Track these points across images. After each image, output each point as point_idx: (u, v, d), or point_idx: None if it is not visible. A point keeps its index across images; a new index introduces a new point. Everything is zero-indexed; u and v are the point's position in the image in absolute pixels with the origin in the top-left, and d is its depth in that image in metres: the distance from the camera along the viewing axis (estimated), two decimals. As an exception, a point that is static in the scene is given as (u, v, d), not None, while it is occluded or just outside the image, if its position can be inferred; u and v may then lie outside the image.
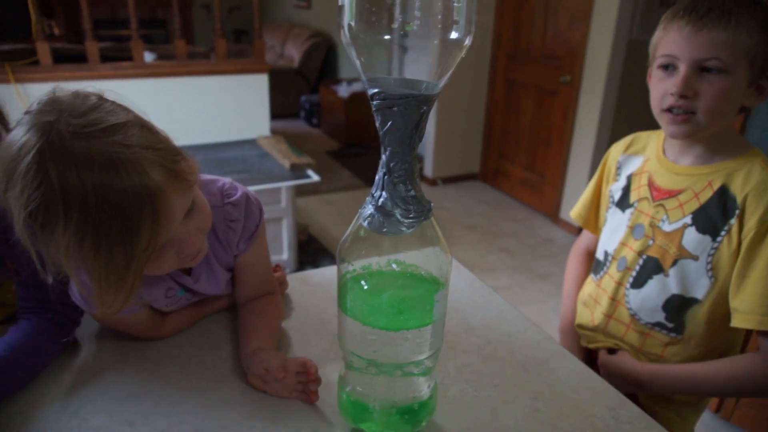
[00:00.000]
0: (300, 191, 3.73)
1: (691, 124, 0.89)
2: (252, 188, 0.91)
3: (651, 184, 1.01)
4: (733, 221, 0.89)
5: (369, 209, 0.58)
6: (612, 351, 1.07)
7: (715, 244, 0.91)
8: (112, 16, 6.47)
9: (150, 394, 0.75)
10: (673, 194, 0.97)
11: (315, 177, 2.81)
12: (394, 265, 0.61)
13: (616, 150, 1.13)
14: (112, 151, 0.58)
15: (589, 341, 1.13)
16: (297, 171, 2.82)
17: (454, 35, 0.53)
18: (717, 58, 0.84)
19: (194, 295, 0.87)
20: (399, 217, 0.56)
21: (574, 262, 1.26)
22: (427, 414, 0.69)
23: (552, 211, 3.75)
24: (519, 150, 4.02)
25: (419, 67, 0.54)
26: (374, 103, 0.55)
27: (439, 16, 0.51)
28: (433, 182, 4.33)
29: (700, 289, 0.93)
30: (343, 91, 5.27)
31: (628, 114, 3.36)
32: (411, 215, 0.57)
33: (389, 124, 0.55)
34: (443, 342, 0.67)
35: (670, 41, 0.89)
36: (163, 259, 0.68)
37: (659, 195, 0.99)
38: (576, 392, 0.80)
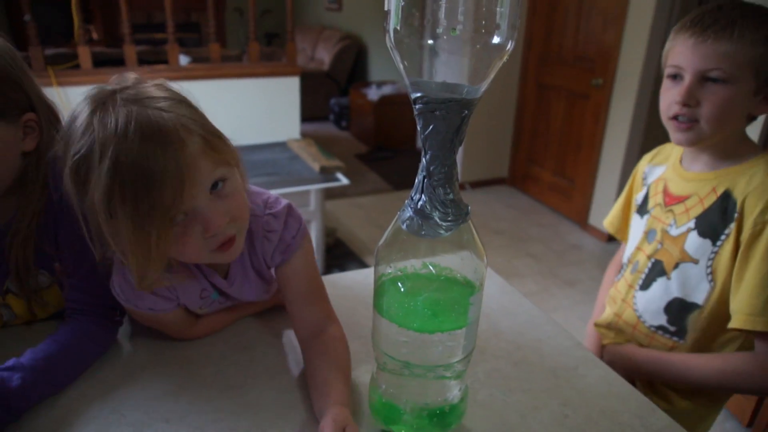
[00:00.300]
0: (328, 194, 3.75)
1: (694, 132, 0.93)
2: (281, 191, 0.92)
3: (665, 191, 1.05)
4: (733, 225, 0.91)
5: (408, 212, 0.59)
6: None
7: (715, 248, 0.94)
8: (149, 20, 6.64)
9: (186, 392, 0.77)
10: (681, 200, 1.01)
11: (344, 180, 2.83)
12: (430, 268, 0.61)
13: (644, 161, 1.17)
14: (152, 113, 0.63)
15: (603, 338, 1.16)
16: (326, 174, 2.84)
17: (496, 40, 0.53)
18: (719, 68, 0.88)
19: (227, 299, 0.88)
20: (437, 220, 0.57)
21: (611, 273, 1.28)
22: (457, 417, 0.69)
23: (581, 217, 3.70)
24: (548, 154, 3.98)
25: (461, 72, 0.55)
26: (416, 107, 0.55)
27: (483, 21, 0.52)
28: (461, 186, 4.31)
29: (700, 293, 0.96)
30: (373, 94, 5.30)
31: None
32: (449, 218, 0.57)
33: (431, 127, 0.55)
34: (475, 345, 0.67)
35: (677, 52, 0.93)
36: (189, 236, 0.67)
37: (670, 201, 1.03)
38: (605, 399, 0.79)
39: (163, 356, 0.84)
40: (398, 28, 0.52)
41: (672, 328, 1.00)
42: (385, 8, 0.53)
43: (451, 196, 0.57)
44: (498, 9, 0.52)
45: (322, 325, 0.82)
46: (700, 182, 0.98)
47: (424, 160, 0.57)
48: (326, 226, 3.23)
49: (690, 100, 0.91)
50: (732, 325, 0.90)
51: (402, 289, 0.61)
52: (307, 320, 0.82)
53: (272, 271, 0.86)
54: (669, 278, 1.00)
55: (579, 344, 0.91)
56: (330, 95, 6.26)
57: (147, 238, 0.63)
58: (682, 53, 0.91)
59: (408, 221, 0.58)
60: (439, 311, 0.61)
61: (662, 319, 1.01)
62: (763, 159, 0.93)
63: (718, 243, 0.93)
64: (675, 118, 0.94)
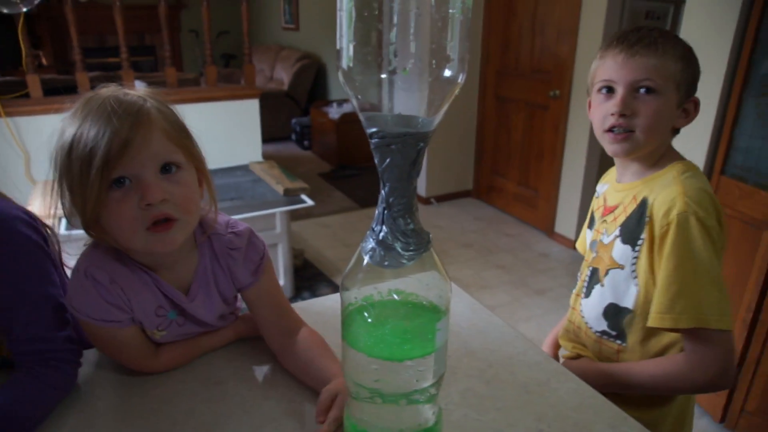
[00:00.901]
0: (294, 216, 3.73)
1: (630, 142, 0.97)
2: (246, 215, 0.97)
3: (604, 204, 1.11)
4: (646, 229, 0.96)
5: (370, 243, 0.59)
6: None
7: (635, 253, 0.98)
8: (101, 44, 6.48)
9: (156, 432, 0.75)
10: (611, 210, 1.07)
11: (309, 201, 2.82)
12: (395, 296, 0.62)
13: (601, 179, 1.22)
14: (128, 95, 0.75)
15: (564, 348, 1.20)
16: (291, 196, 2.83)
17: (447, 73, 0.54)
18: (649, 79, 0.94)
19: (185, 320, 0.87)
20: (399, 250, 0.58)
21: None
22: (433, 441, 0.70)
23: (547, 226, 3.77)
24: (511, 165, 4.05)
25: (415, 104, 0.56)
26: (373, 141, 0.56)
27: (434, 56, 0.53)
28: (427, 201, 4.36)
29: (629, 297, 1.00)
30: (334, 112, 5.31)
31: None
32: (411, 248, 0.58)
33: (388, 161, 0.56)
34: (446, 368, 0.68)
35: (607, 68, 0.98)
36: (126, 202, 0.73)
37: (605, 212, 1.09)
38: (578, 411, 0.80)
39: (132, 395, 0.82)
40: (351, 65, 0.53)
41: (613, 333, 1.04)
42: (337, 46, 0.54)
43: (411, 226, 0.58)
44: (448, 44, 0.53)
45: (295, 329, 0.89)
46: (626, 192, 1.04)
47: (383, 192, 0.58)
48: (293, 248, 3.21)
49: (626, 110, 0.95)
50: (648, 324, 0.95)
51: (369, 319, 0.62)
52: (281, 328, 0.89)
53: (237, 297, 0.91)
54: (602, 285, 1.04)
55: (549, 358, 0.93)
56: (291, 115, 6.25)
57: (85, 191, 0.71)
58: (613, 68, 0.97)
59: (371, 252, 0.58)
60: (407, 338, 0.62)
61: (604, 325, 1.05)
62: (675, 166, 0.99)
63: (637, 248, 0.98)
64: (610, 130, 0.98)
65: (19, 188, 2.99)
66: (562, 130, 3.52)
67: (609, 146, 1.01)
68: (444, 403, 0.80)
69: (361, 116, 0.57)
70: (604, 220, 1.08)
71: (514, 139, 3.98)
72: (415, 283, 0.63)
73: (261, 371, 0.88)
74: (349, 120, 5.19)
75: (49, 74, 4.31)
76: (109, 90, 0.76)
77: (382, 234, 0.58)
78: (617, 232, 1.02)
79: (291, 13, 6.82)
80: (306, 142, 5.96)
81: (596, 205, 1.15)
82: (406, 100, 0.56)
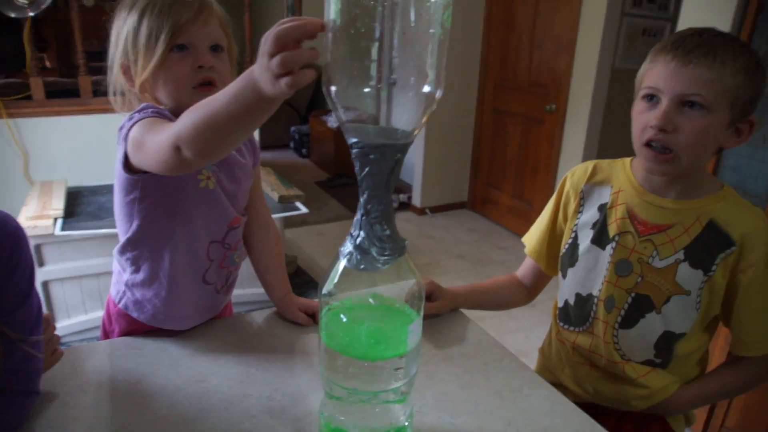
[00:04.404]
0: (288, 222, 3.76)
1: (672, 166, 0.90)
2: None
3: (633, 218, 0.98)
4: (728, 255, 0.92)
5: (348, 247, 0.62)
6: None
7: (706, 278, 0.93)
8: (105, 47, 6.53)
9: (138, 429, 0.77)
10: (662, 229, 0.95)
11: (303, 209, 2.85)
12: (371, 299, 0.65)
13: (577, 179, 1.10)
14: None
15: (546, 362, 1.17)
16: (286, 203, 2.86)
17: (426, 89, 0.58)
18: (699, 94, 0.84)
19: (220, 169, 0.97)
20: (375, 254, 0.61)
21: (502, 278, 1.28)
22: (406, 441, 0.72)
23: (539, 238, 3.80)
24: (506, 178, 4.09)
25: (394, 117, 0.59)
26: (353, 151, 0.59)
27: (414, 73, 0.57)
28: (422, 211, 4.39)
29: (687, 322, 0.96)
30: (333, 121, 5.35)
31: (613, 141, 3.46)
32: (386, 253, 0.61)
33: (366, 169, 0.59)
34: (418, 370, 0.71)
35: (655, 74, 0.89)
36: (181, 63, 0.89)
37: (645, 229, 0.97)
38: (548, 417, 0.83)
39: (117, 388, 0.85)
40: (335, 79, 0.56)
41: (658, 360, 0.99)
42: (323, 63, 0.57)
43: (387, 232, 0.61)
44: (428, 61, 0.57)
45: (268, 220, 1.14)
46: (681, 211, 0.94)
47: (361, 199, 0.61)
48: (286, 255, 3.24)
49: (667, 125, 0.86)
50: (747, 353, 0.96)
51: (345, 320, 0.65)
52: (259, 211, 1.11)
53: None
54: (659, 312, 0.96)
55: (524, 366, 0.96)
56: (290, 123, 6.29)
57: (152, 51, 0.88)
58: (661, 75, 0.87)
59: (348, 256, 0.62)
60: (381, 339, 0.65)
61: (650, 354, 0.99)
62: (727, 187, 0.96)
63: (710, 273, 0.92)
64: (648, 144, 0.90)
65: (16, 188, 3.02)
66: (557, 144, 3.56)
67: (648, 163, 0.92)
68: (419, 405, 0.83)
69: (343, 127, 0.60)
70: (648, 240, 0.96)
71: (509, 152, 4.02)
72: (390, 288, 0.66)
73: (242, 371, 0.91)
74: (348, 129, 5.22)
75: (52, 77, 4.34)
76: None
77: (359, 239, 0.61)
78: (680, 256, 0.94)
79: (294, 21, 6.87)
80: (304, 150, 6.00)
81: (613, 216, 1.00)
82: (386, 113, 0.59)
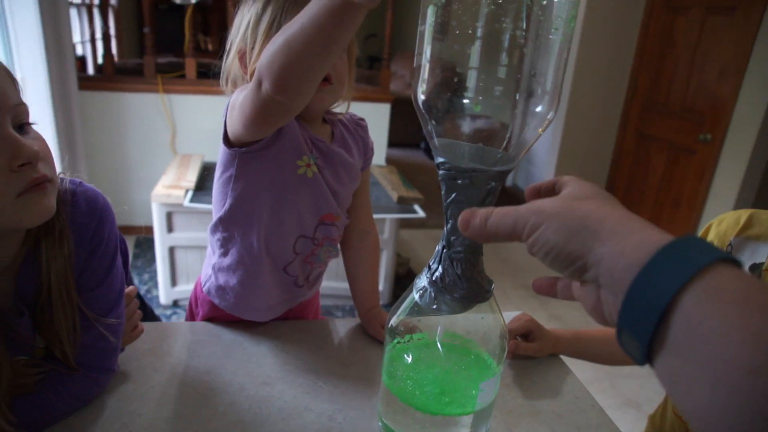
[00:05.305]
0: (405, 224, 3.73)
1: None
2: None
3: None
4: None
5: (423, 281, 0.54)
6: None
7: None
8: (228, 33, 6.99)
9: (195, 419, 0.76)
10: None
11: (421, 213, 2.80)
12: (438, 345, 0.57)
13: (725, 228, 0.94)
14: None
15: None
16: (404, 204, 2.82)
17: (538, 108, 0.48)
18: None
19: (325, 163, 0.93)
20: (451, 295, 0.52)
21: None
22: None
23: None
24: (643, 209, 3.73)
25: (494, 138, 0.50)
26: (439, 172, 0.51)
27: (523, 87, 0.47)
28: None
29: None
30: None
31: (776, 186, 3.01)
32: (465, 296, 0.52)
33: (453, 195, 0.51)
34: (491, 427, 0.61)
35: None
36: None
37: None
38: None
39: (185, 377, 0.84)
40: (426, 86, 0.49)
41: None
42: (414, 64, 0.50)
43: (470, 271, 0.52)
44: (542, 73, 0.47)
45: (368, 227, 1.08)
46: None
47: (445, 229, 0.53)
48: (400, 255, 3.20)
49: None
50: None
51: (409, 361, 0.57)
52: (360, 216, 1.06)
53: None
54: None
55: (623, 439, 0.81)
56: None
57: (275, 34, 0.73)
58: None
59: (421, 291, 0.54)
60: (448, 391, 0.56)
61: None
62: None
63: None
64: None
65: (163, 158, 3.28)
66: (708, 178, 3.17)
67: None
68: (490, 463, 0.73)
69: (436, 141, 0.52)
70: None
71: (650, 181, 3.66)
72: (474, 332, 0.57)
73: (310, 382, 0.86)
74: (478, 136, 5.09)
75: (209, 59, 4.70)
76: None
77: (436, 274, 0.53)
78: None
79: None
80: (432, 152, 5.95)
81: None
82: (484, 132, 0.50)
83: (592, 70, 3.77)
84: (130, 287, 0.87)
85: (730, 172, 3.05)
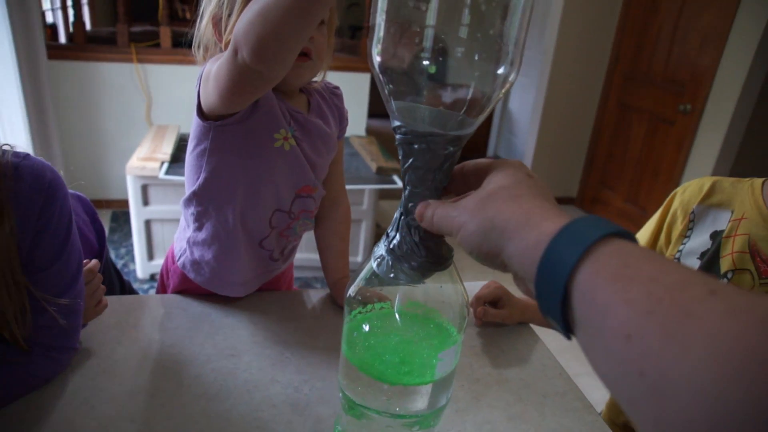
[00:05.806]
0: (385, 194, 3.70)
1: None
2: None
3: (755, 253, 0.82)
4: None
5: (381, 249, 0.53)
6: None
7: None
8: None
9: (160, 394, 0.75)
10: None
11: (400, 184, 2.78)
12: (408, 308, 0.56)
13: (688, 196, 0.95)
14: None
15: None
16: (383, 175, 2.80)
17: (500, 69, 0.46)
18: None
19: (303, 135, 0.91)
20: (409, 263, 0.51)
21: None
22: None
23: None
24: (622, 179, 3.75)
25: (452, 101, 0.49)
26: (396, 136, 0.50)
27: (483, 47, 0.45)
28: (525, 201, 4.16)
29: None
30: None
31: (753, 156, 3.03)
32: (423, 264, 0.51)
33: (410, 161, 0.49)
34: (450, 399, 0.61)
35: None
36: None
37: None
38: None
39: (149, 349, 0.83)
40: (383, 46, 0.46)
41: None
42: (369, 23, 0.47)
43: (428, 238, 0.51)
44: (505, 33, 0.45)
45: (340, 197, 1.07)
46: None
47: (403, 195, 0.51)
48: (378, 226, 3.19)
49: None
50: None
51: (367, 330, 0.56)
52: (333, 186, 1.04)
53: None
54: None
55: (590, 407, 0.82)
56: (406, 93, 6.21)
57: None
58: None
59: (379, 260, 0.52)
60: (407, 361, 0.56)
61: None
62: None
63: None
64: None
65: (138, 129, 3.21)
66: (686, 148, 3.19)
67: None
68: (455, 431, 0.73)
69: (392, 104, 0.50)
70: None
71: (630, 151, 3.67)
72: (434, 300, 0.56)
73: (277, 353, 0.86)
74: (461, 107, 5.06)
75: (188, 27, 4.57)
76: None
77: (394, 242, 0.52)
78: None
79: (422, -9, 6.73)
80: (414, 123, 5.90)
81: (727, 248, 0.85)
82: (442, 95, 0.48)
83: (574, 38, 3.74)
84: (93, 261, 0.84)
85: (708, 143, 3.07)
